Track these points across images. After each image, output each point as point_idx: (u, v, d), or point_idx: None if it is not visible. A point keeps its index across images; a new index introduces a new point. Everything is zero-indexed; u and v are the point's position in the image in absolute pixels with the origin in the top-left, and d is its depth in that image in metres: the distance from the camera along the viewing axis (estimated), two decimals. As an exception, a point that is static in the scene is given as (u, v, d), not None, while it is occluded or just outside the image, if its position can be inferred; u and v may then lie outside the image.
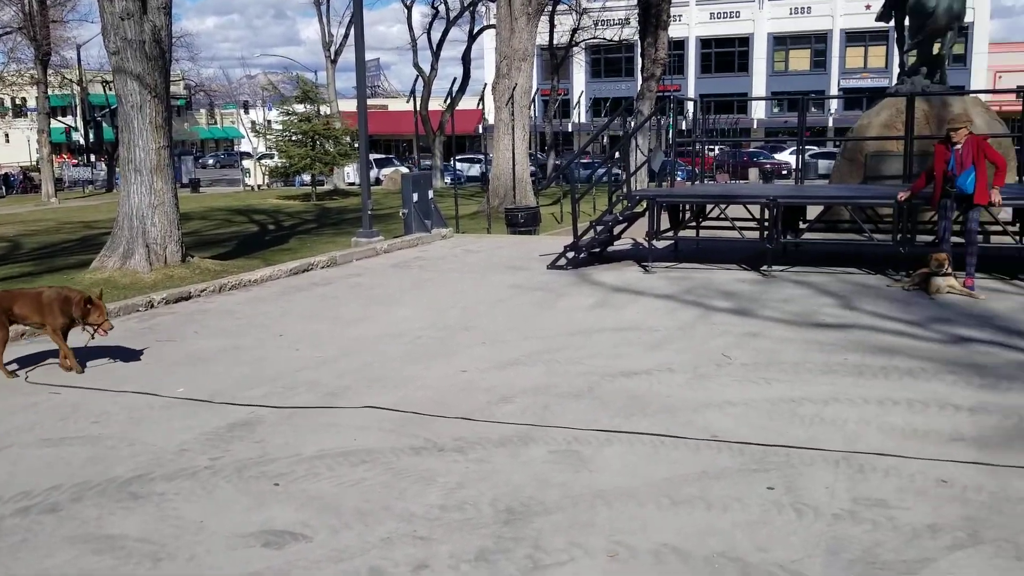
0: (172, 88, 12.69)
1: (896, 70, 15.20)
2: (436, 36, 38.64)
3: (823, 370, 6.08)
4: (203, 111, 73.87)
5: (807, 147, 38.48)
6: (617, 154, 13.04)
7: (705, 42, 57.70)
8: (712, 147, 31.16)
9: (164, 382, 6.08)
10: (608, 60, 56.93)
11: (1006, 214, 11.11)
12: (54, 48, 35.72)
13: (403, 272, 11.10)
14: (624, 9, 42.30)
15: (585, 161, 30.50)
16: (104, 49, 11.18)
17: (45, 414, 5.39)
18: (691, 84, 56.16)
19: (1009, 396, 5.39)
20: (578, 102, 28.27)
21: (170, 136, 11.21)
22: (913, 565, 3.32)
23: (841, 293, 8.96)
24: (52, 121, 36.94)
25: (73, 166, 47.10)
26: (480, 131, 50.72)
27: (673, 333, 7.35)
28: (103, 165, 44.42)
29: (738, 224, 11.24)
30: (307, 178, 30.52)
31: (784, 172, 38.03)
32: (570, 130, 56.14)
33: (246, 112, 51.99)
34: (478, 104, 17.76)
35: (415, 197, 14.48)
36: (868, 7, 49.78)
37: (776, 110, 57.10)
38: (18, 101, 58.41)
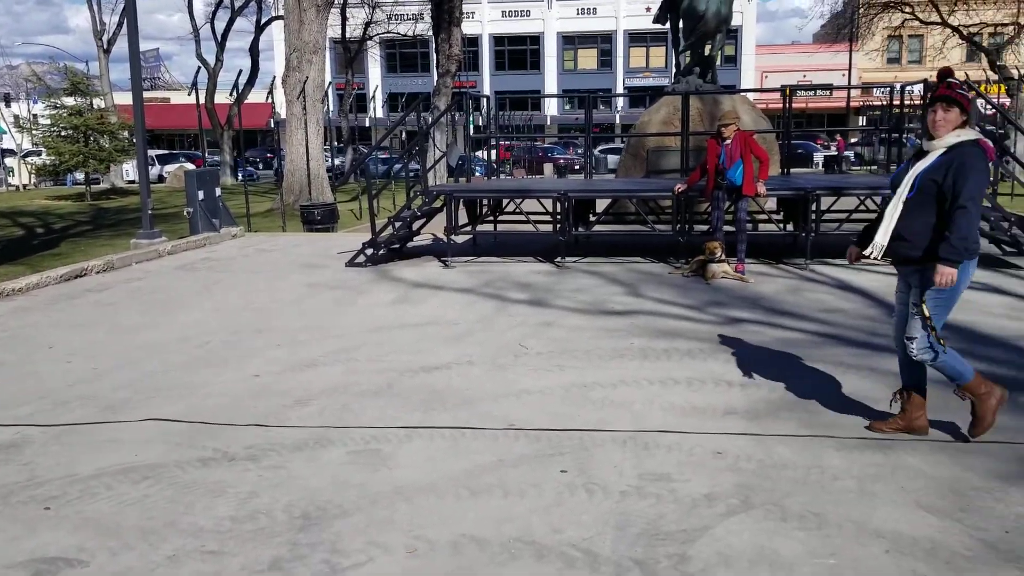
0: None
1: (674, 70, 16.18)
2: (221, 26, 36.95)
3: (612, 355, 6.37)
4: (-45, 103, 66.55)
5: (597, 143, 40.24)
6: (415, 149, 13.02)
7: (498, 39, 58.86)
8: (508, 143, 31.88)
9: (-91, 406, 5.42)
10: (404, 55, 56.82)
11: (771, 204, 12.14)
12: None
13: (189, 274, 10.53)
14: (417, 4, 42.34)
15: (383, 156, 30.25)
16: None
17: None
18: (486, 81, 57.13)
19: (778, 371, 5.89)
20: (374, 96, 28.05)
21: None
22: (693, 533, 3.55)
23: (628, 281, 9.43)
24: None
25: None
26: (272, 125, 49.06)
27: (472, 326, 7.44)
28: None
29: (533, 218, 11.57)
30: (80, 176, 28.28)
31: (577, 167, 39.55)
32: (367, 125, 55.49)
33: (7, 106, 47.25)
34: (267, 98, 17.14)
35: (201, 195, 13.78)
36: (648, 9, 52.72)
37: (568, 107, 59.19)
38: None
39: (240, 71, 19.60)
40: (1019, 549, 3.39)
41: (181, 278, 10.25)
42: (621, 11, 57.27)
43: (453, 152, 13.59)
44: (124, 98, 40.60)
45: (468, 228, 12.10)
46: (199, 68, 34.79)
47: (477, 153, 25.94)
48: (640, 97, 52.45)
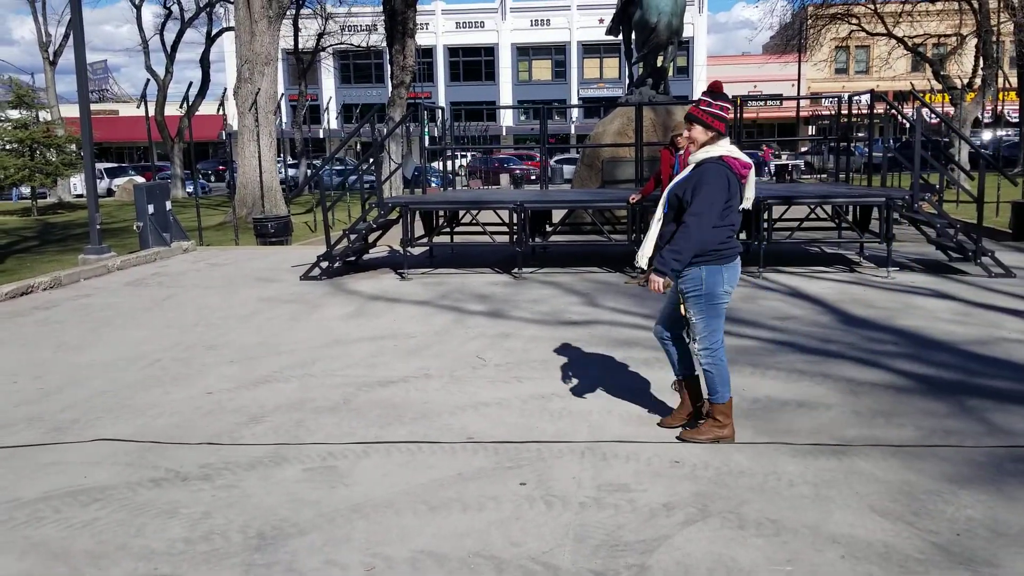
0: None
1: (627, 81, 16.35)
2: (170, 37, 36.42)
3: (570, 365, 6.38)
4: None
5: (553, 154, 40.42)
6: (369, 161, 12.95)
7: (453, 51, 58.92)
8: (464, 154, 31.89)
9: None
10: (357, 66, 56.54)
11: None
12: None
13: (140, 290, 10.33)
14: (371, 15, 42.18)
15: (338, 168, 30.06)
16: None
17: None
18: (441, 91, 57.15)
19: (732, 378, 5.93)
20: (327, 108, 27.77)
21: None
22: (652, 543, 3.56)
23: (585, 291, 9.47)
24: None
25: None
26: (224, 137, 48.43)
27: (430, 338, 7.40)
28: None
29: (489, 229, 11.56)
30: (26, 191, 27.63)
31: (533, 178, 39.70)
32: (321, 136, 55.14)
33: (-51, 118, 46.14)
34: (219, 109, 16.92)
35: (151, 209, 13.54)
36: (601, 21, 53.20)
37: (523, 118, 59.41)
38: None
39: (191, 83, 19.28)
40: (970, 551, 3.46)
41: (131, 294, 10.05)
42: (574, 23, 57.72)
43: (409, 163, 13.54)
44: (71, 111, 39.80)
45: (424, 240, 12.06)
46: (148, 80, 34.25)
47: (433, 164, 25.88)
48: (595, 108, 52.91)
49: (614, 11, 16.11)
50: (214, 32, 37.15)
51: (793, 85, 46.81)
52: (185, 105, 16.47)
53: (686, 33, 19.65)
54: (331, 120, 32.19)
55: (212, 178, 45.38)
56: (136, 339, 7.61)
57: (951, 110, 26.14)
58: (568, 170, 37.55)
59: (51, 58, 32.88)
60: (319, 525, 3.82)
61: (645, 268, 4.62)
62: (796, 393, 5.59)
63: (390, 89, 25.29)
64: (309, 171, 32.73)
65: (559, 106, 51.28)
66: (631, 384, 5.85)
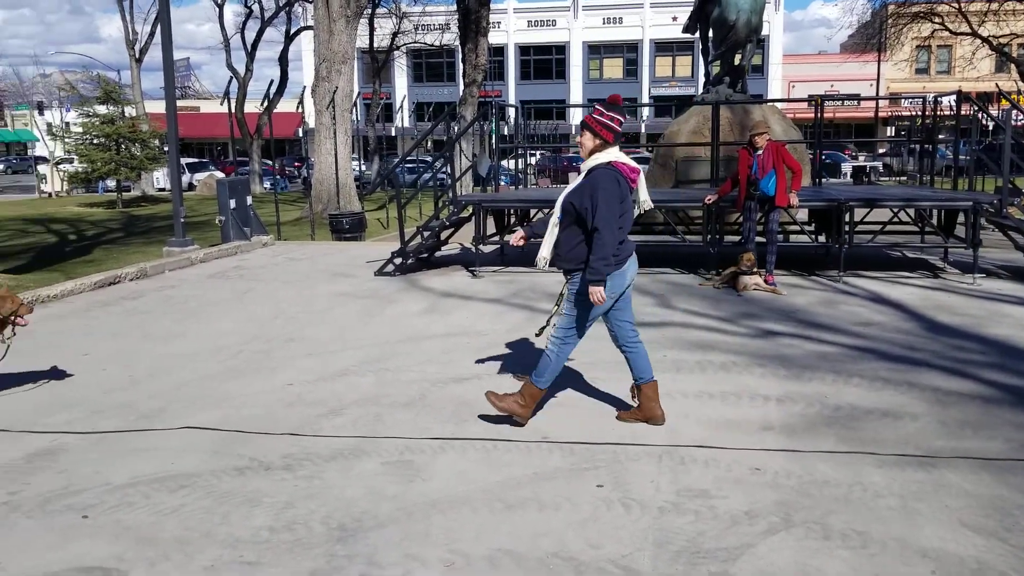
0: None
1: (702, 79, 16.13)
2: (251, 36, 37.31)
3: (645, 367, 6.32)
4: (-9, 112, 67.72)
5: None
6: (442, 159, 13.05)
7: (524, 49, 59.05)
8: (533, 152, 31.94)
9: (-51, 412, 5.49)
10: (430, 64, 57.12)
11: (802, 215, 12.03)
12: None
13: (221, 282, 10.60)
14: (444, 14, 42.55)
15: (410, 165, 30.39)
16: None
17: None
18: (511, 90, 57.33)
19: (811, 385, 5.81)
20: (401, 106, 28.05)
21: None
22: (734, 552, 3.50)
23: (658, 292, 9.38)
24: None
25: None
26: (300, 134, 49.38)
27: (502, 336, 7.42)
28: None
29: (561, 227, 11.54)
30: (112, 184, 28.63)
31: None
32: (393, 134, 55.85)
33: (40, 113, 48.04)
34: (297, 107, 17.26)
35: (232, 203, 13.88)
36: (675, 19, 52.67)
37: (593, 116, 59.15)
38: None
39: (272, 81, 19.82)
40: (1070, 572, 3.31)
41: (213, 286, 10.33)
42: (647, 20, 57.26)
43: (483, 162, 13.59)
44: (155, 106, 41.10)
45: (496, 238, 12.09)
46: (231, 78, 35.23)
47: (503, 163, 25.96)
48: (666, 107, 52.43)
49: (691, 9, 15.90)
50: (293, 31, 37.91)
51: (871, 85, 45.61)
52: (266, 103, 16.83)
53: (763, 31, 19.26)
54: (404, 118, 32.57)
55: (291, 174, 46.33)
56: (218, 331, 7.81)
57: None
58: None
59: (137, 55, 34.00)
60: (398, 519, 3.86)
61: (542, 265, 4.97)
62: (880, 402, 5.43)
63: (462, 88, 25.48)
64: (379, 170, 33.18)
65: (631, 104, 50.88)
66: (707, 388, 5.78)
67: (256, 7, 37.20)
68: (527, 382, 5.00)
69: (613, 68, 59.36)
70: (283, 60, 37.51)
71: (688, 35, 16.51)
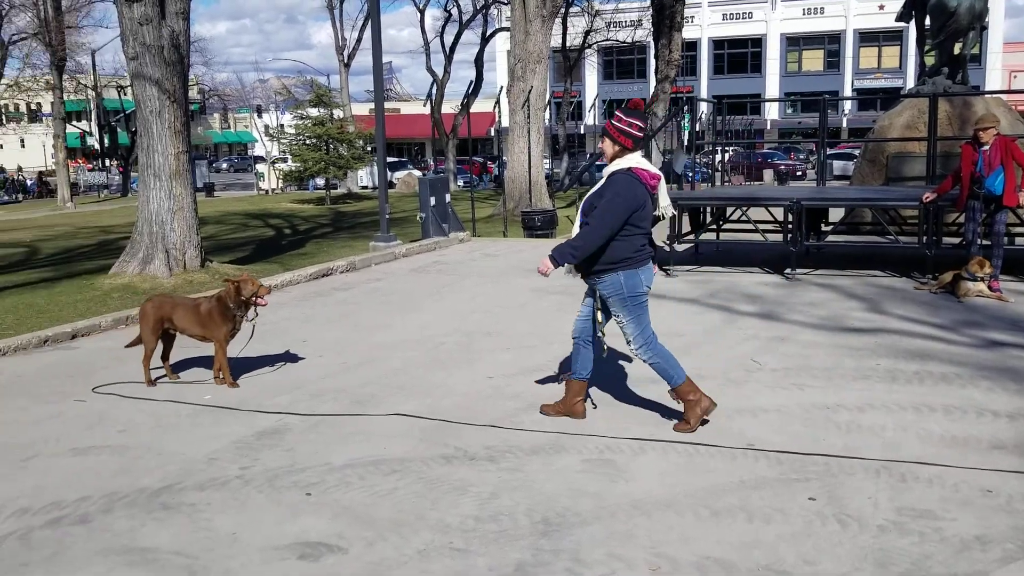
0: (189, 93, 12.54)
1: (911, 70, 15.12)
2: (449, 39, 38.64)
3: (856, 375, 5.99)
4: (216, 115, 74.22)
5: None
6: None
7: (718, 43, 57.61)
8: (726, 148, 31.12)
9: (189, 388, 6.04)
10: (620, 61, 56.90)
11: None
12: (69, 53, 35.93)
13: (422, 277, 11.05)
14: (637, 11, 42.22)
15: (600, 163, 30.41)
16: (120, 54, 11.21)
17: (71, 423, 5.36)
18: (703, 85, 56.08)
19: (1048, 402, 5.29)
20: (593, 105, 28.06)
21: (189, 141, 11.20)
22: (966, 579, 3.24)
23: (868, 296, 8.85)
24: (67, 126, 37.12)
25: (88, 171, 47.36)
26: (493, 133, 50.65)
27: (699, 337, 7.27)
28: (117, 170, 44.67)
29: (758, 227, 11.15)
30: (321, 182, 30.55)
31: (798, 173, 37.86)
32: (582, 132, 56.10)
33: (259, 116, 52.10)
34: (494, 107, 17.69)
35: (432, 200, 14.43)
36: (882, 7, 49.64)
37: (790, 111, 56.87)
38: (33, 106, 58.84)
39: (471, 83, 20.57)
40: None
41: (415, 280, 10.78)
42: (851, 10, 54.29)
43: (679, 158, 13.37)
44: (359, 109, 43.42)
45: (690, 236, 11.85)
46: (433, 82, 36.72)
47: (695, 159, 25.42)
48: (871, 100, 49.46)
49: (905, -5, 14.91)
50: (488, 33, 38.90)
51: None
52: (465, 102, 17.35)
53: (986, 16, 17.73)
54: (595, 116, 32.60)
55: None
56: (421, 322, 8.14)
57: None
58: (838, 165, 35.40)
59: (345, 60, 36.07)
60: (601, 518, 3.86)
61: (564, 270, 4.99)
62: None
63: (652, 84, 25.19)
64: (568, 167, 33.41)
65: (836, 98, 48.47)
66: (926, 400, 5.38)
67: (455, 11, 38.48)
68: (677, 391, 4.98)
69: (813, 60, 56.74)
70: (479, 61, 38.58)
71: (901, 23, 15.48)
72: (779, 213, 11.84)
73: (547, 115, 28.74)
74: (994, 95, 16.15)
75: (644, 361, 4.99)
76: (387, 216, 13.23)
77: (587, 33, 37.99)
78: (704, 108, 14.50)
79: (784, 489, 4.10)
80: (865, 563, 3.38)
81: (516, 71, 19.58)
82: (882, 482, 4.16)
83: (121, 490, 4.27)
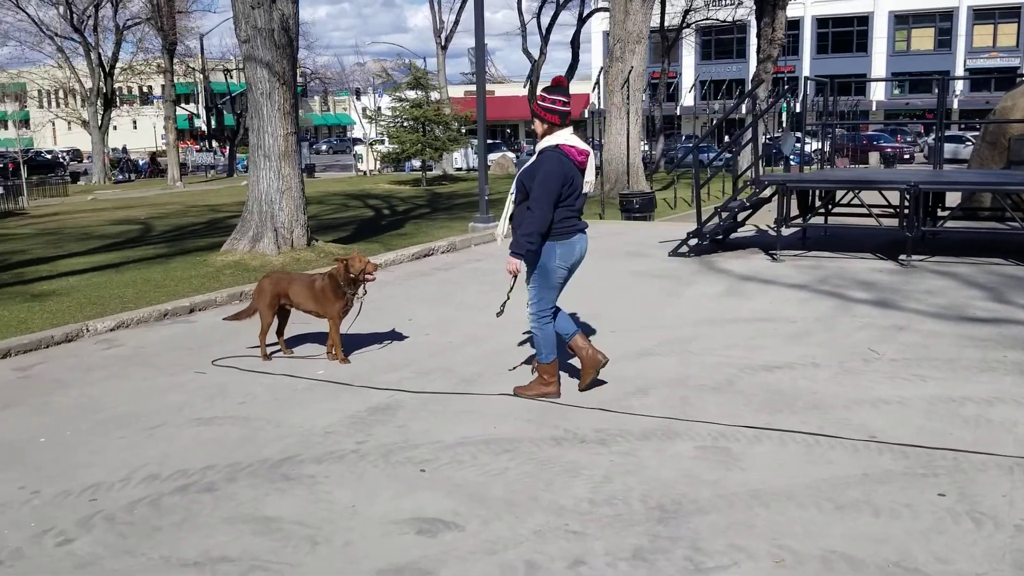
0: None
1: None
2: (545, 20, 38.41)
3: (981, 368, 5.71)
4: (317, 98, 75.99)
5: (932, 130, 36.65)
6: (743, 137, 12.63)
7: (822, 21, 55.72)
8: (830, 131, 30.10)
9: (303, 363, 6.20)
10: (719, 41, 55.62)
11: None
12: (179, 38, 37.27)
13: (522, 258, 11.03)
14: (738, -11, 41.13)
15: (701, 145, 29.87)
16: (226, 38, 11.57)
17: (194, 394, 5.56)
18: (806, 65, 54.37)
19: None
20: (693, 86, 27.52)
21: (297, 123, 11.45)
22: (1119, 587, 3.05)
23: (990, 285, 8.44)
24: (177, 108, 38.56)
25: (196, 152, 49.20)
26: (587, 115, 50.26)
27: (811, 325, 7.06)
28: (224, 151, 46.22)
29: (871, 211, 10.75)
30: (417, 164, 30.88)
31: (906, 157, 36.37)
32: (678, 113, 55.14)
33: (358, 99, 53.08)
34: (593, 88, 17.52)
35: (531, 182, 14.39)
36: (1001, -13, 47.04)
37: (897, 91, 54.61)
38: (145, 89, 61.38)
39: (569, 65, 20.31)
40: None
41: (514, 261, 10.77)
42: (966, -15, 51.67)
43: (788, 140, 12.98)
44: (455, 91, 43.65)
45: (797, 220, 11.52)
46: (533, 63, 36.62)
47: (796, 142, 24.68)
48: (984, 80, 47.07)
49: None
50: (585, 13, 38.52)
51: None
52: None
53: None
54: (695, 97, 31.94)
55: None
56: (522, 303, 8.11)
57: None
58: (948, 148, 33.78)
59: (442, 43, 36.29)
60: (718, 506, 3.78)
61: (500, 242, 5.36)
62: None
63: (752, 64, 24.52)
64: (666, 148, 32.87)
65: (955, 76, 46.26)
66: (1064, 396, 5.09)
67: (551, -9, 38.20)
68: (539, 365, 5.26)
69: (922, 39, 54.31)
70: (575, 43, 38.26)
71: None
72: (892, 197, 11.40)
73: (644, 96, 28.34)
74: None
75: (530, 326, 5.29)
76: (486, 197, 13.27)
77: (686, 12, 37.19)
78: (808, 88, 13.97)
79: (911, 484, 3.94)
80: (1003, 564, 3.22)
81: (615, 52, 19.33)
82: (1017, 479, 3.95)
83: (244, 460, 4.41)
